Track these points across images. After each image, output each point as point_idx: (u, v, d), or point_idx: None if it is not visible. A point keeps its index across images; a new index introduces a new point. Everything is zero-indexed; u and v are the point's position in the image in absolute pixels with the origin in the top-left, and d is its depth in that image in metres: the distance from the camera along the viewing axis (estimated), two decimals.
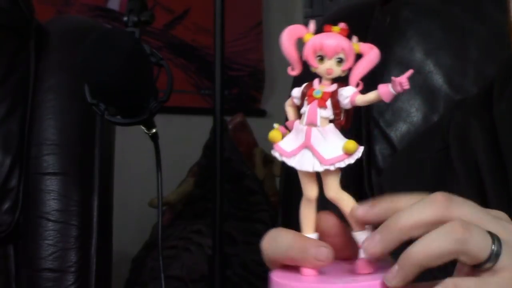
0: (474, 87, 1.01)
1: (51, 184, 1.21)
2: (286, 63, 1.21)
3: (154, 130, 0.98)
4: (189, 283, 1.91)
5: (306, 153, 0.53)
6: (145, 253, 2.06)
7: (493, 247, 0.48)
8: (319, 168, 0.52)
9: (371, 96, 0.53)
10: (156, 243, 1.03)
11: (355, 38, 0.53)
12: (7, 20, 1.25)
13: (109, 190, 1.28)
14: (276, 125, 0.54)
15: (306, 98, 0.53)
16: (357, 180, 1.04)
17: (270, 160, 2.25)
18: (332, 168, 0.52)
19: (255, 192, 2.08)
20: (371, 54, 0.53)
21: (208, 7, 1.79)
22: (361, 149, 0.52)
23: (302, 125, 0.53)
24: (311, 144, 0.52)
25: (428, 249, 0.48)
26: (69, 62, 1.24)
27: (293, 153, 0.53)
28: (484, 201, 0.74)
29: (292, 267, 0.53)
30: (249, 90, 2.54)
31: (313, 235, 0.54)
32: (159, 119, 0.97)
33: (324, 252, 0.51)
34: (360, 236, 0.53)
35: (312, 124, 0.52)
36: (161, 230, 1.01)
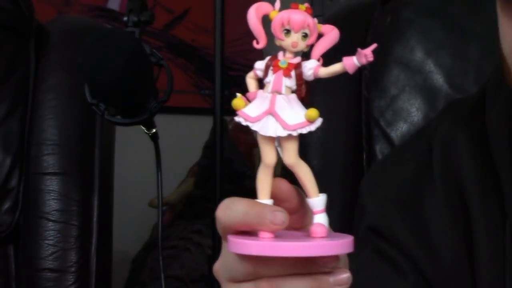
0: (475, 86, 1.01)
1: (51, 184, 1.21)
2: None
3: (154, 130, 0.99)
4: (189, 283, 1.91)
5: (270, 119, 0.55)
6: (145, 253, 2.06)
7: None
8: (282, 133, 0.54)
9: (335, 67, 0.55)
10: (156, 243, 1.03)
11: (316, 19, 0.55)
12: (7, 20, 1.25)
13: (109, 190, 1.28)
14: (239, 95, 0.56)
15: (271, 68, 0.56)
16: (356, 179, 1.04)
17: None
18: (294, 133, 0.54)
19: (255, 192, 2.08)
20: (332, 33, 0.56)
21: (208, 7, 1.79)
22: (320, 120, 0.54)
23: (267, 93, 0.55)
24: (275, 110, 0.54)
25: None
26: (69, 62, 1.24)
27: (257, 119, 0.55)
28: (464, 212, 0.73)
29: (248, 233, 0.55)
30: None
31: (268, 201, 0.56)
32: (159, 119, 0.97)
33: (280, 216, 0.53)
34: (314, 202, 0.55)
35: (277, 91, 0.55)
36: (161, 230, 1.01)
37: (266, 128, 0.55)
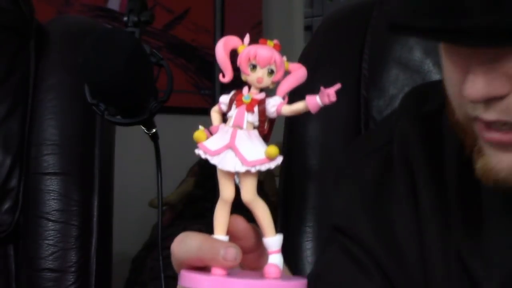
0: None
1: (51, 184, 1.21)
2: None
3: (154, 130, 0.99)
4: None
5: (229, 153, 0.54)
6: (145, 253, 2.06)
7: None
8: (241, 168, 0.54)
9: (298, 106, 0.54)
10: (156, 243, 1.03)
11: (285, 57, 0.55)
12: (7, 20, 1.25)
13: (109, 190, 1.28)
14: (201, 127, 0.56)
15: (234, 102, 0.55)
16: None
17: None
18: (253, 170, 0.54)
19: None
20: (299, 72, 0.56)
21: (208, 7, 1.79)
22: (281, 157, 0.54)
23: (228, 126, 0.55)
24: (235, 145, 0.54)
25: None
26: (69, 62, 1.24)
27: (217, 152, 0.55)
28: (419, 215, 0.73)
29: (203, 269, 0.55)
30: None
31: (224, 237, 0.55)
32: (159, 119, 0.97)
33: (232, 252, 0.53)
34: (269, 242, 0.54)
35: (238, 126, 0.55)
36: (161, 230, 1.01)
37: (225, 162, 0.54)
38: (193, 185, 2.13)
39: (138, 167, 1.97)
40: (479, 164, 0.62)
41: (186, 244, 0.54)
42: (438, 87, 0.74)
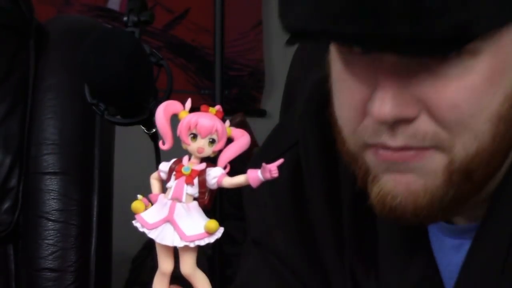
0: None
1: (51, 184, 1.21)
2: (286, 63, 1.20)
3: (154, 130, 0.99)
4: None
5: (168, 227, 0.53)
6: (145, 253, 2.06)
7: None
8: (179, 243, 0.53)
9: (238, 179, 0.54)
10: None
11: (227, 122, 0.54)
12: (7, 20, 1.25)
13: (109, 190, 1.28)
14: (139, 196, 0.55)
15: (174, 173, 0.54)
16: None
17: None
18: (191, 245, 0.53)
19: None
20: (242, 140, 0.55)
21: (208, 7, 1.79)
22: (221, 229, 0.53)
23: (167, 199, 0.54)
24: (174, 219, 0.53)
25: None
26: (69, 62, 1.24)
27: (155, 226, 0.53)
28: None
29: None
30: (249, 90, 2.54)
31: None
32: None
33: None
34: None
35: (177, 199, 0.53)
36: None
37: (163, 236, 0.53)
38: None
39: (138, 167, 1.97)
40: (375, 191, 0.59)
41: None
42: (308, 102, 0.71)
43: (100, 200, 1.23)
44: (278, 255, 0.73)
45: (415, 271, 0.65)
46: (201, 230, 0.53)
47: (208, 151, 0.54)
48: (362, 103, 0.56)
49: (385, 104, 0.53)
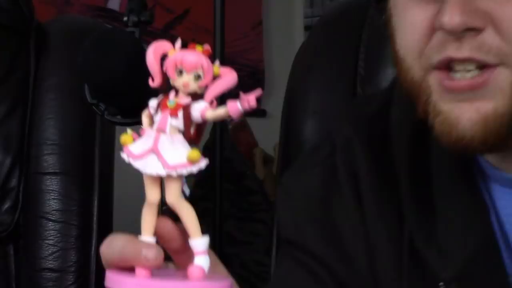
0: None
1: (51, 184, 1.21)
2: (286, 63, 1.20)
3: None
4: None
5: (152, 157, 0.55)
6: None
7: None
8: (162, 172, 0.55)
9: (220, 111, 0.55)
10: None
11: (217, 62, 0.56)
12: (7, 20, 1.25)
13: (109, 190, 1.28)
14: (129, 130, 0.57)
15: (160, 107, 0.56)
16: None
17: (270, 160, 2.25)
18: (174, 173, 0.54)
19: (255, 192, 2.08)
20: (229, 76, 0.56)
21: (208, 7, 1.79)
22: (204, 161, 0.54)
23: (152, 130, 0.56)
24: (158, 149, 0.55)
25: None
26: (69, 62, 1.24)
27: (140, 156, 0.55)
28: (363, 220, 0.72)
29: (127, 269, 0.56)
30: (249, 90, 2.54)
31: (150, 239, 0.57)
32: None
33: (153, 252, 0.54)
34: (195, 243, 0.55)
35: (161, 130, 0.55)
36: None
37: (147, 166, 0.55)
38: (193, 185, 2.13)
39: None
40: (439, 120, 0.60)
41: (112, 244, 0.56)
42: (373, 98, 0.74)
43: (100, 200, 1.23)
44: (312, 254, 0.74)
45: (478, 232, 0.66)
46: (183, 159, 0.54)
47: (194, 86, 0.55)
48: (428, 22, 0.60)
49: (454, 14, 0.57)
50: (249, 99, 0.54)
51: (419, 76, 0.62)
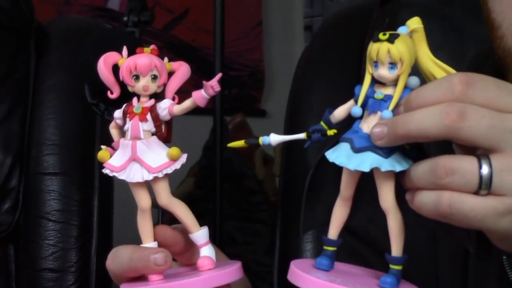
0: None
1: (52, 184, 1.21)
2: (286, 63, 1.21)
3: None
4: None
5: (135, 165, 0.56)
6: None
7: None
8: (148, 176, 0.56)
9: (187, 103, 0.57)
10: None
11: (166, 59, 0.57)
12: (7, 20, 1.25)
13: (109, 190, 1.28)
14: (103, 147, 0.58)
15: (127, 115, 0.57)
16: None
17: (270, 160, 2.25)
18: (160, 175, 0.56)
19: (255, 192, 2.08)
20: (182, 69, 0.58)
21: (208, 7, 1.80)
22: (184, 155, 0.56)
23: (127, 140, 0.57)
24: (138, 156, 0.56)
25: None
26: (70, 62, 1.24)
27: (123, 167, 0.57)
28: None
29: (140, 279, 0.57)
30: (249, 90, 2.54)
31: (152, 244, 0.57)
32: None
33: (162, 256, 0.55)
34: (197, 237, 0.57)
35: (136, 137, 0.56)
36: None
37: (132, 175, 0.56)
38: (193, 185, 2.13)
39: None
40: None
41: (118, 257, 0.56)
42: None
43: (100, 200, 1.23)
44: (371, 242, 0.75)
45: None
46: (165, 159, 0.55)
47: (153, 87, 0.57)
48: None
49: None
50: (213, 85, 0.55)
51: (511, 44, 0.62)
